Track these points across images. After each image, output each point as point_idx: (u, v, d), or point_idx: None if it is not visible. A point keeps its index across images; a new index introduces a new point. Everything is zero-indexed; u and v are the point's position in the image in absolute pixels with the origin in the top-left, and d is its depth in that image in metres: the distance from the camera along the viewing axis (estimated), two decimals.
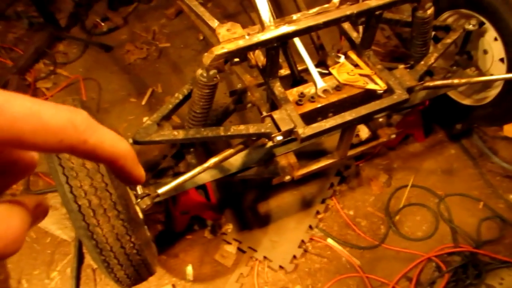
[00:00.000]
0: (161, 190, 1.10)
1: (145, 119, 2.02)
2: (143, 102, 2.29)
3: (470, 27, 1.62)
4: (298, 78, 1.57)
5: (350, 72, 1.39)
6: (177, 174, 1.47)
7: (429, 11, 1.42)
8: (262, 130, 1.24)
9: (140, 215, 1.33)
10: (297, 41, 1.50)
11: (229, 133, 1.25)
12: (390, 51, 2.48)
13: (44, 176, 1.98)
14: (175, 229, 1.80)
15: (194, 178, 1.38)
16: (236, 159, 1.46)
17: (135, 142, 1.27)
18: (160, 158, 1.99)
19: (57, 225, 1.82)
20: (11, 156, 0.28)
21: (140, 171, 0.30)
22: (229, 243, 1.78)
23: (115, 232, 1.10)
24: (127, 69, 2.46)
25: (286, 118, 1.24)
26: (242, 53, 1.24)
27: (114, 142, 0.28)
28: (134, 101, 2.31)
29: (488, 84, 1.78)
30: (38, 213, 0.29)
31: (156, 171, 1.55)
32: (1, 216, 0.24)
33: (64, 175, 1.07)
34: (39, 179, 2.00)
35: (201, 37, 2.55)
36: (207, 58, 1.15)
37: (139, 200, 1.05)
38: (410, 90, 1.36)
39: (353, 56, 1.45)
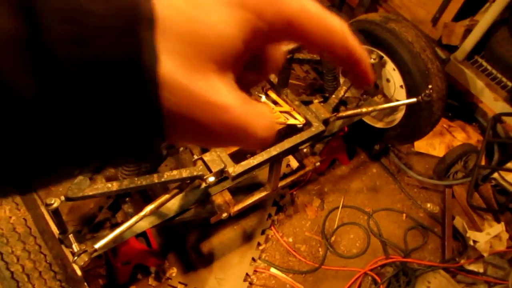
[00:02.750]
0: (98, 245, 1.11)
1: (76, 172, 1.98)
2: None
3: (371, 60, 1.84)
4: None
5: (271, 110, 1.51)
6: (114, 226, 1.47)
7: None
8: (195, 173, 1.30)
9: (79, 272, 1.30)
10: None
11: (163, 179, 1.30)
12: (310, 84, 2.69)
13: None
14: (118, 281, 1.75)
15: (133, 227, 1.39)
16: (173, 203, 1.50)
17: (68, 199, 1.26)
18: (97, 211, 1.96)
19: None
20: (269, 50, 0.30)
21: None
22: (174, 287, 1.77)
23: None
24: None
25: (216, 159, 1.32)
26: None
27: (361, 48, 0.29)
28: None
29: (394, 109, 2.01)
30: None
31: (93, 225, 1.53)
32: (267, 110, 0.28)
33: None
34: None
35: None
36: None
37: (76, 258, 1.05)
38: (325, 121, 1.51)
39: (272, 95, 1.58)
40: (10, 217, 1.07)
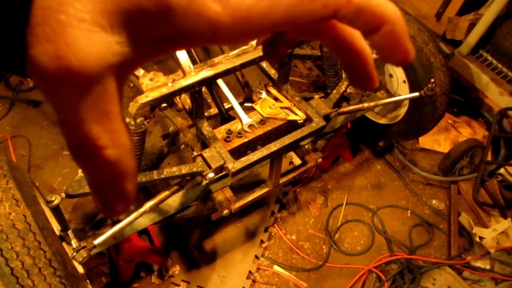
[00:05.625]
0: (97, 241, 1.11)
1: (80, 171, 1.99)
2: None
3: (374, 55, 1.81)
4: (226, 116, 1.66)
5: (272, 106, 1.51)
6: (116, 223, 1.47)
7: None
8: (194, 169, 1.30)
9: (80, 269, 1.31)
10: (220, 82, 1.60)
11: (162, 176, 1.30)
12: (312, 81, 2.67)
13: None
14: (121, 279, 1.76)
15: (133, 224, 1.39)
16: (174, 200, 1.50)
17: (68, 196, 1.26)
18: None
19: None
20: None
21: (410, 45, 0.25)
22: (177, 285, 1.77)
23: None
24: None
25: (216, 155, 1.31)
26: (167, 99, 1.31)
27: (382, 2, 0.24)
28: (67, 154, 2.27)
29: (398, 104, 1.99)
30: None
31: (94, 222, 1.54)
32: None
33: None
34: None
35: (132, 85, 2.59)
36: (132, 107, 1.21)
37: (74, 253, 1.05)
38: (326, 117, 1.50)
39: (273, 91, 1.57)
40: (10, 214, 1.07)
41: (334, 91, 1.62)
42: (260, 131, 1.43)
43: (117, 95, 0.22)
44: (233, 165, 1.28)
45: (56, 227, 1.28)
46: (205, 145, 1.48)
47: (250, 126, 1.42)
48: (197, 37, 0.21)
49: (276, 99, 1.55)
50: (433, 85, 1.60)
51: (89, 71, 0.19)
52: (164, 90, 1.22)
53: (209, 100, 1.73)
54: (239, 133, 1.40)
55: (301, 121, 1.46)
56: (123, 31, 0.20)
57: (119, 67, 0.21)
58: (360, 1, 0.23)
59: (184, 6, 0.20)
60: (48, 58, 0.18)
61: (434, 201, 2.16)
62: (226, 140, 1.39)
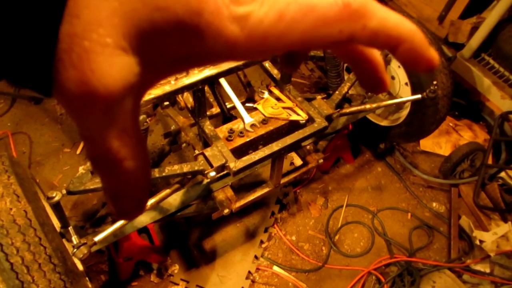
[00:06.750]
0: (98, 238, 1.11)
1: (81, 168, 1.99)
2: (78, 152, 2.26)
3: None
4: (228, 115, 1.66)
5: (274, 106, 1.51)
6: (116, 220, 1.47)
7: None
8: (196, 168, 1.30)
9: (80, 266, 1.30)
10: (223, 81, 1.60)
11: (164, 174, 1.29)
12: (314, 82, 2.67)
13: None
14: (120, 277, 1.76)
15: (134, 222, 1.39)
16: (174, 199, 1.50)
17: (69, 193, 1.26)
18: (100, 207, 1.97)
19: None
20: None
21: (432, 52, 0.25)
22: (176, 284, 1.77)
23: (52, 287, 1.08)
24: (59, 120, 2.43)
25: (218, 154, 1.31)
26: (170, 97, 1.31)
27: (397, 23, 0.23)
28: (68, 151, 2.27)
29: (399, 106, 1.99)
30: None
31: (95, 220, 1.53)
32: None
33: None
34: None
35: None
36: None
37: (75, 250, 1.05)
38: (328, 117, 1.49)
39: (275, 91, 1.57)
40: (11, 209, 1.07)
41: (337, 92, 1.62)
42: (262, 131, 1.43)
43: (136, 111, 0.23)
44: (235, 164, 1.28)
45: (56, 224, 1.28)
46: (206, 144, 1.47)
47: (252, 125, 1.42)
48: (214, 57, 0.22)
49: (278, 99, 1.55)
50: (435, 87, 1.60)
51: (111, 94, 0.20)
52: (167, 88, 1.22)
53: (211, 100, 1.73)
54: (241, 132, 1.40)
55: (303, 121, 1.46)
56: (143, 52, 0.20)
57: (138, 87, 0.21)
58: (375, 26, 0.23)
59: (203, 27, 0.20)
60: (73, 84, 0.19)
61: (434, 204, 2.16)
62: (228, 139, 1.39)
